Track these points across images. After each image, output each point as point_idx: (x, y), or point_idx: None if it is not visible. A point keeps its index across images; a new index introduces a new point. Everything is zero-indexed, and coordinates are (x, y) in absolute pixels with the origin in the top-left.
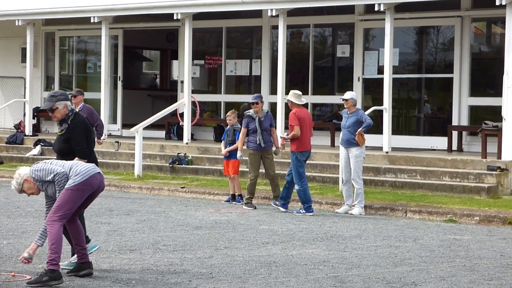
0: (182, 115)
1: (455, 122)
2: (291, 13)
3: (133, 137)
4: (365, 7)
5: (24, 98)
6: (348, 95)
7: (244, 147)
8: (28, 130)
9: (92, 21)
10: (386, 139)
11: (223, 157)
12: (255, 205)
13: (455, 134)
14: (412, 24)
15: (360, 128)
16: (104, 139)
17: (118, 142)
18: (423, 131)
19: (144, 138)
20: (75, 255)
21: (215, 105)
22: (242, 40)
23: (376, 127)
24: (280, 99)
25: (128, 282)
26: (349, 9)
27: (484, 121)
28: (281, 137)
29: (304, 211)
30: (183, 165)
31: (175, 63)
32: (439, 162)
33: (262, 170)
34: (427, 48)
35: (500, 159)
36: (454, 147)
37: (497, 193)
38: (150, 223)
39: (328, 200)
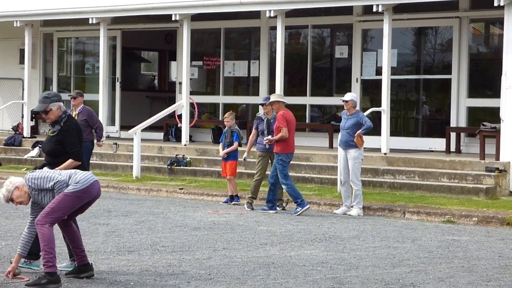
0: (180, 116)
1: (453, 124)
2: (289, 14)
3: (132, 139)
4: (363, 8)
5: (22, 99)
6: (348, 96)
7: (253, 149)
8: (26, 132)
9: (90, 22)
10: (384, 141)
11: (221, 158)
12: (253, 206)
13: (453, 135)
14: (410, 25)
15: (360, 130)
16: (103, 141)
17: (116, 143)
18: (421, 133)
19: (142, 140)
20: (68, 262)
21: (213, 106)
22: (240, 41)
23: (374, 129)
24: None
25: (127, 283)
26: (347, 10)
27: (482, 122)
28: (266, 139)
29: (300, 208)
30: (182, 167)
31: (173, 64)
32: (437, 163)
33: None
34: (425, 49)
35: (498, 160)
36: (452, 148)
37: (495, 194)
38: (148, 224)
39: (326, 201)
